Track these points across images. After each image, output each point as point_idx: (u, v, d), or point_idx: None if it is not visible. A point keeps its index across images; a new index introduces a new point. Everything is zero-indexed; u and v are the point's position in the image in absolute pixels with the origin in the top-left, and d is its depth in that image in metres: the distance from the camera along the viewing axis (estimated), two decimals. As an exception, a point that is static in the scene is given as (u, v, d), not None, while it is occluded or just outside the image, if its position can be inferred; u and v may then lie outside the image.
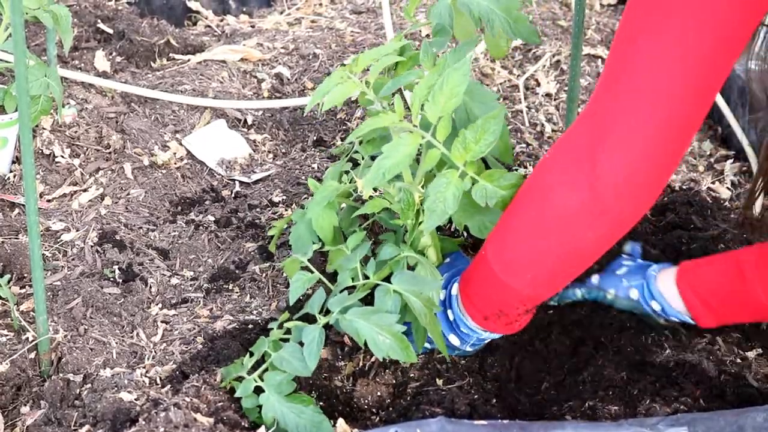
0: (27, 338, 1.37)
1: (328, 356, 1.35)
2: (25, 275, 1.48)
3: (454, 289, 1.28)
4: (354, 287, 1.27)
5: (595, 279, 1.40)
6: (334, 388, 1.32)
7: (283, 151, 1.86)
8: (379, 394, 1.31)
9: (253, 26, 2.28)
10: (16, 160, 1.69)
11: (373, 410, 1.31)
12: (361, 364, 1.35)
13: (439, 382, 1.33)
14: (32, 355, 1.35)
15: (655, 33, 1.05)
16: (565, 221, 1.14)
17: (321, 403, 1.30)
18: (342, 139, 1.85)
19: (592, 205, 1.12)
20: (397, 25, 2.16)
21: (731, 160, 1.85)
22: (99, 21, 2.13)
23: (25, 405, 1.29)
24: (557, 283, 1.23)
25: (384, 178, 1.20)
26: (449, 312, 1.29)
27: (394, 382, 1.34)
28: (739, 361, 1.34)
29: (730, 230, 1.57)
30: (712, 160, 1.87)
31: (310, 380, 1.29)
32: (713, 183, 1.79)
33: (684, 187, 1.76)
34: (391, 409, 1.30)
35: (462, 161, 1.21)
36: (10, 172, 1.68)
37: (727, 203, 1.71)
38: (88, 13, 2.14)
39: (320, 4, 2.35)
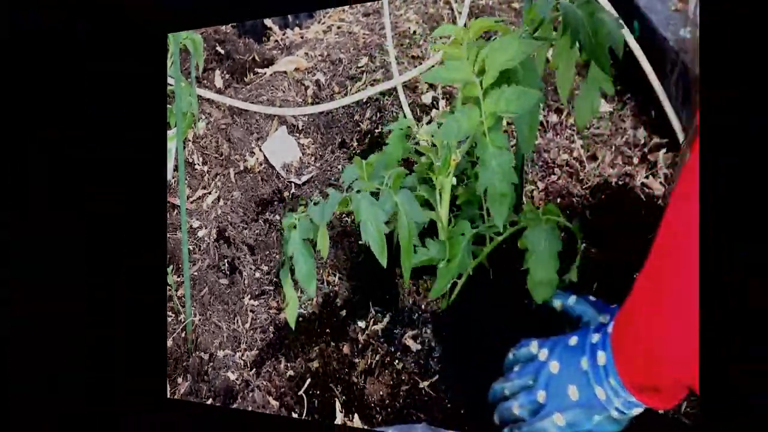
0: (180, 319, 1.62)
1: (347, 352, 1.44)
2: (180, 266, 1.73)
3: (610, 329, 1.09)
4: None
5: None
6: (352, 383, 1.40)
7: (320, 153, 2.00)
8: (381, 393, 1.36)
9: (302, 37, 2.37)
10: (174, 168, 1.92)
11: (378, 408, 1.36)
12: (369, 361, 1.43)
13: (425, 384, 1.39)
14: (183, 334, 1.58)
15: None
16: None
17: (343, 397, 1.39)
18: (357, 141, 1.95)
19: None
20: (394, 24, 2.20)
21: (664, 150, 1.75)
22: (216, 44, 2.30)
23: (180, 376, 1.53)
24: None
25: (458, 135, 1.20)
26: (600, 354, 1.08)
27: (391, 382, 1.38)
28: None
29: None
30: (645, 150, 1.78)
31: (336, 375, 1.41)
32: (647, 177, 1.72)
33: (620, 182, 1.71)
34: (390, 409, 1.35)
35: (488, 111, 1.21)
36: (172, 178, 1.92)
37: (660, 201, 1.63)
38: (209, 38, 2.31)
39: (343, 10, 2.36)
